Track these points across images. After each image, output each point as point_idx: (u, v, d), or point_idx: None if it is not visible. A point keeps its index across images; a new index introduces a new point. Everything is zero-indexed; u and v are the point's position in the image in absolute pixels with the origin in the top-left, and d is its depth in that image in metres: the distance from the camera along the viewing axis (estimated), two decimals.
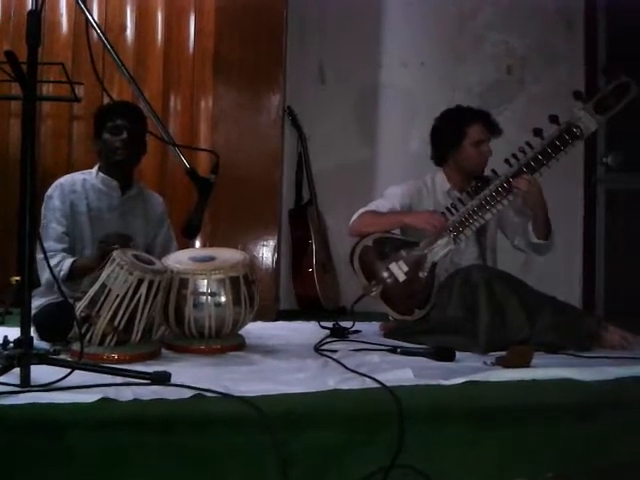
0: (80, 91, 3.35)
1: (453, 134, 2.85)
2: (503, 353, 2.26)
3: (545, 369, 2.11)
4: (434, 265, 2.76)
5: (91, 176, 2.73)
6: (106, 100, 3.19)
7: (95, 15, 3.63)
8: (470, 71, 3.89)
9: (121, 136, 2.62)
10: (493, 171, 2.75)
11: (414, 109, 3.82)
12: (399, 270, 2.75)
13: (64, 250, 2.58)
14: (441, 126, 2.92)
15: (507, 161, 2.71)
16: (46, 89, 3.52)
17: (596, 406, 1.87)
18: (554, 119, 2.64)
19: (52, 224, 2.59)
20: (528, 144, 2.68)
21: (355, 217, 2.87)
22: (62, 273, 2.52)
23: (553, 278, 3.64)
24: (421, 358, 2.34)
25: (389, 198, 2.90)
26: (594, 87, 2.71)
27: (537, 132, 2.66)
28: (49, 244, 2.53)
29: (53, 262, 2.48)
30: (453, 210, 2.75)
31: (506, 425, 1.77)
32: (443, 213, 2.76)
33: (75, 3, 2.29)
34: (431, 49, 3.89)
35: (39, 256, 2.24)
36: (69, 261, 2.54)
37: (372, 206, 2.89)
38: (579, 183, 3.91)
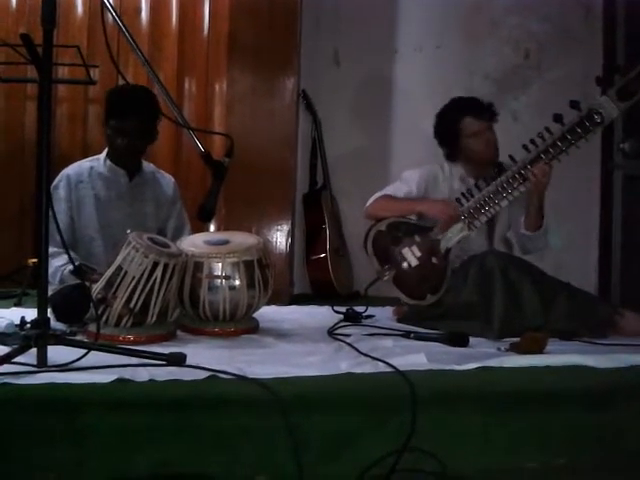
0: (95, 74, 3.36)
1: (449, 133, 2.84)
2: (517, 339, 2.26)
3: (559, 355, 2.11)
4: (448, 251, 2.75)
5: (99, 163, 2.71)
6: (121, 83, 3.18)
7: None
8: (487, 55, 3.84)
9: (125, 138, 2.59)
10: (510, 157, 2.69)
11: (429, 93, 3.78)
12: (412, 255, 2.74)
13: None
14: (437, 128, 2.90)
15: (525, 147, 2.65)
16: (61, 72, 3.53)
17: (610, 393, 1.87)
18: (575, 104, 2.56)
19: (56, 215, 2.58)
20: (547, 130, 2.62)
21: (371, 200, 2.87)
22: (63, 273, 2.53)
23: (569, 265, 3.61)
24: (435, 343, 2.34)
25: (406, 181, 2.89)
26: (612, 74, 2.63)
27: (557, 118, 2.57)
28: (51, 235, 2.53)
29: (60, 262, 2.51)
30: (468, 196, 2.73)
31: (519, 411, 1.77)
32: (458, 199, 2.74)
33: None
34: (447, 33, 3.83)
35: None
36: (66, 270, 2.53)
37: (389, 190, 2.88)
38: (596, 169, 3.87)
